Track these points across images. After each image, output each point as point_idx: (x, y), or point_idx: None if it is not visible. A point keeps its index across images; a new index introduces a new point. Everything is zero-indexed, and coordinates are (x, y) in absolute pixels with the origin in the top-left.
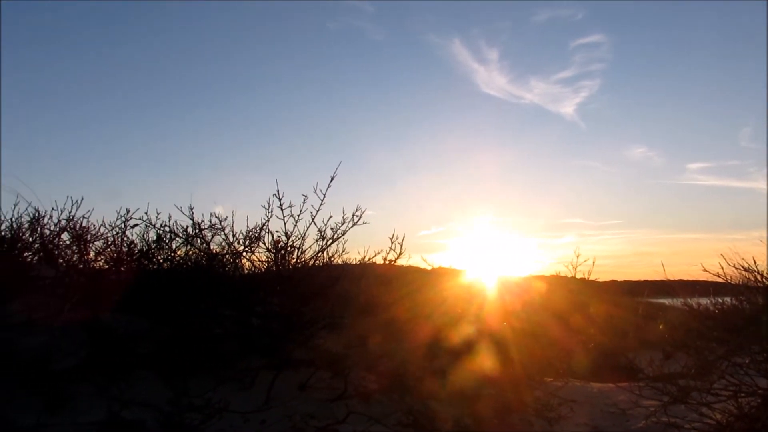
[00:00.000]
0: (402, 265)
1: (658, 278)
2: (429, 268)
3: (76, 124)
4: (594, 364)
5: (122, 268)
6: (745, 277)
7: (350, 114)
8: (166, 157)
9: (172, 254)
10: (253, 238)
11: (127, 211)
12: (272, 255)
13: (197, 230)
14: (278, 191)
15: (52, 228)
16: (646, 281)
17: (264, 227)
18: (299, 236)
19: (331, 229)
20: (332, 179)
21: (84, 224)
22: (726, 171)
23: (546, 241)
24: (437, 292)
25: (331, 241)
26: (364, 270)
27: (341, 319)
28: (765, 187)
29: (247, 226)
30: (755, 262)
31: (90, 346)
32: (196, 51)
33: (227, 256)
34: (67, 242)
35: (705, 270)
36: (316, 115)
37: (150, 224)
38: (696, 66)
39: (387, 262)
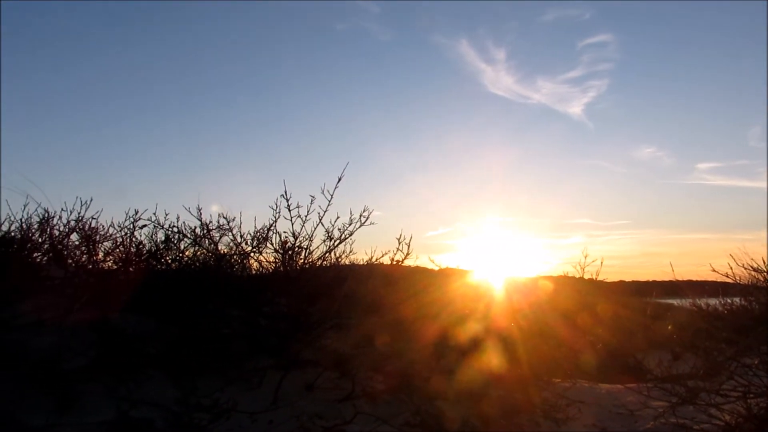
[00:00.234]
0: (409, 266)
1: (666, 279)
2: (436, 268)
3: (85, 125)
4: (602, 364)
5: (131, 269)
6: (754, 277)
7: (358, 114)
8: (175, 158)
9: (181, 255)
10: (261, 238)
11: (136, 212)
12: (280, 255)
13: (205, 231)
14: (286, 192)
15: (61, 229)
16: (654, 282)
17: (272, 228)
18: (307, 237)
19: (339, 229)
20: (339, 180)
21: (93, 225)
22: (735, 171)
23: (553, 242)
24: (444, 292)
25: (338, 241)
26: (371, 270)
27: (348, 320)
28: None
29: (255, 227)
30: (764, 263)
31: (99, 346)
32: (205, 52)
33: (235, 256)
34: (77, 243)
35: (714, 270)
36: (324, 116)
37: (158, 225)
38: (704, 65)
39: (394, 262)
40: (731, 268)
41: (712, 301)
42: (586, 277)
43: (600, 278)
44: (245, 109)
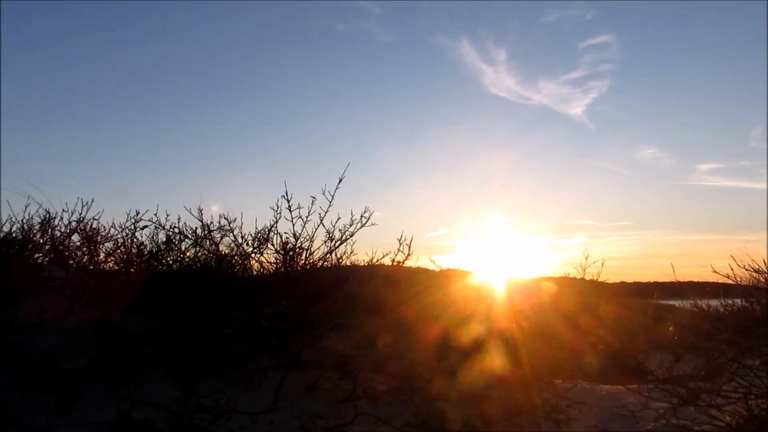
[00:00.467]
0: (410, 267)
1: (668, 280)
2: (437, 269)
3: (86, 125)
4: (603, 365)
5: (132, 270)
6: (755, 278)
7: (358, 115)
8: (175, 159)
9: (182, 255)
10: (262, 239)
11: (137, 213)
12: (281, 256)
13: (206, 232)
14: (287, 193)
15: (62, 229)
16: (656, 283)
17: (273, 229)
18: (308, 237)
19: (340, 230)
20: (340, 181)
21: (94, 226)
22: (736, 172)
23: (555, 243)
24: (445, 293)
25: (339, 242)
26: (372, 271)
27: (349, 320)
28: None
29: (256, 228)
30: (765, 264)
31: (99, 347)
32: (205, 52)
33: (236, 257)
34: (78, 243)
35: (715, 271)
36: (325, 117)
37: (159, 226)
38: (706, 66)
39: (395, 263)
40: (732, 270)
41: (714, 303)
42: (587, 278)
43: (601, 279)
44: (245, 109)
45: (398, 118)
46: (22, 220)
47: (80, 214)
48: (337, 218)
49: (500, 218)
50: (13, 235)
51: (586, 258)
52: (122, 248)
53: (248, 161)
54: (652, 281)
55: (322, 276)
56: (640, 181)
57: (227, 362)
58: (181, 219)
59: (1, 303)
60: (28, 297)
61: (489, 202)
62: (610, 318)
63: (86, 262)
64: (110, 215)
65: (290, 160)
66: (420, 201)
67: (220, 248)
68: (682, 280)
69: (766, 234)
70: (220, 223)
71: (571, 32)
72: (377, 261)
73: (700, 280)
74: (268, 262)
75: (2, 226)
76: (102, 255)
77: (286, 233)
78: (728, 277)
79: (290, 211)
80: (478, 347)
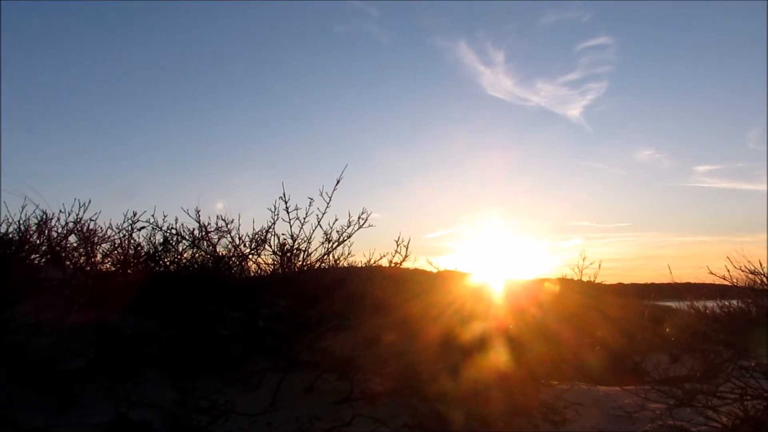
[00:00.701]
0: (407, 268)
1: (665, 281)
2: (434, 270)
3: (86, 125)
4: (600, 366)
5: (129, 271)
6: (752, 279)
7: (356, 117)
8: (173, 160)
9: (179, 256)
10: (260, 240)
11: (134, 214)
12: (278, 257)
13: (204, 233)
14: (284, 194)
15: (59, 230)
16: (653, 284)
17: (270, 230)
18: (305, 239)
19: (337, 231)
20: (338, 182)
21: (91, 227)
22: (733, 173)
23: (553, 244)
24: (442, 294)
25: (336, 243)
26: (370, 272)
27: (347, 321)
28: None
29: (254, 229)
30: (761, 265)
31: (97, 347)
32: (204, 53)
33: (233, 258)
34: (75, 244)
35: (711, 273)
36: (323, 118)
37: (157, 227)
38: (703, 68)
39: (392, 264)
40: (729, 271)
41: (710, 304)
42: (585, 279)
43: (598, 281)
44: (244, 110)
45: (396, 119)
46: (19, 221)
47: (77, 215)
48: (334, 220)
49: (498, 219)
50: (10, 236)
51: (583, 259)
52: (119, 249)
53: (245, 162)
54: (649, 282)
55: (320, 277)
56: (637, 183)
57: (225, 363)
58: (179, 220)
59: None
60: (26, 298)
61: (487, 203)
62: (607, 319)
63: (83, 263)
64: (112, 216)
65: (288, 161)
66: (418, 202)
67: (218, 249)
68: (679, 281)
69: (764, 235)
70: (217, 224)
71: (568, 34)
72: (374, 262)
73: (697, 281)
74: (265, 263)
75: None
76: (99, 256)
77: (283, 234)
78: (725, 279)
79: (288, 213)
80: (476, 348)
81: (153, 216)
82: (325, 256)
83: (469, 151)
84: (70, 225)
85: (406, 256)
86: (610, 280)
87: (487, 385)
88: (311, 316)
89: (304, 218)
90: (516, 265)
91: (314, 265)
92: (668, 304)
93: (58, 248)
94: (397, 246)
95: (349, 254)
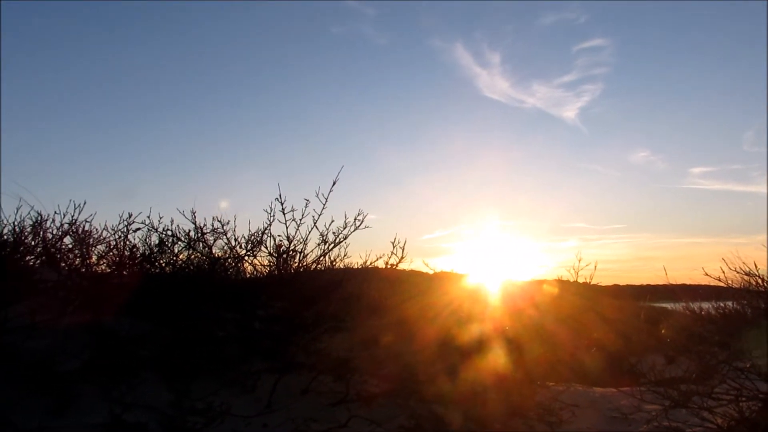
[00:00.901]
0: (404, 270)
1: (660, 282)
2: (431, 272)
3: (85, 126)
4: (597, 368)
5: (124, 272)
6: (746, 281)
7: (353, 118)
8: (173, 160)
9: (175, 258)
10: (255, 242)
11: (130, 215)
12: (274, 259)
13: (199, 234)
14: (280, 195)
15: (54, 232)
16: (648, 285)
17: (266, 231)
18: (301, 240)
19: (333, 233)
20: (334, 183)
21: (86, 228)
22: (729, 175)
23: (549, 245)
24: (439, 296)
25: (333, 245)
26: (366, 274)
27: (344, 323)
28: (767, 191)
29: (249, 230)
30: (756, 267)
31: (93, 349)
32: (201, 54)
33: (229, 260)
34: (70, 246)
35: (706, 274)
36: (319, 119)
37: (152, 228)
38: (699, 70)
39: (389, 266)
40: (724, 273)
41: (705, 305)
42: (580, 281)
43: (594, 282)
44: (240, 111)
45: (393, 120)
46: (14, 223)
47: (72, 216)
48: (331, 221)
49: (495, 221)
50: (5, 237)
51: (579, 261)
52: (115, 251)
53: (243, 163)
54: (645, 284)
55: (317, 279)
56: (633, 185)
57: (221, 365)
58: (174, 221)
59: None
60: (21, 299)
61: (483, 204)
62: (603, 321)
63: (78, 264)
64: (103, 217)
65: (285, 162)
66: (414, 203)
67: (214, 251)
68: (674, 282)
69: (759, 237)
70: (213, 225)
71: (564, 35)
72: (371, 264)
73: (692, 282)
74: (261, 264)
75: None
76: (94, 257)
77: (279, 236)
78: (720, 280)
79: (284, 214)
80: (473, 349)
81: (149, 217)
82: (322, 258)
83: (465, 152)
84: (65, 226)
85: (402, 258)
86: (606, 281)
87: (484, 386)
88: (307, 318)
89: (300, 219)
90: (513, 267)
91: (310, 267)
92: (664, 305)
93: (53, 250)
94: (393, 247)
95: (345, 256)
